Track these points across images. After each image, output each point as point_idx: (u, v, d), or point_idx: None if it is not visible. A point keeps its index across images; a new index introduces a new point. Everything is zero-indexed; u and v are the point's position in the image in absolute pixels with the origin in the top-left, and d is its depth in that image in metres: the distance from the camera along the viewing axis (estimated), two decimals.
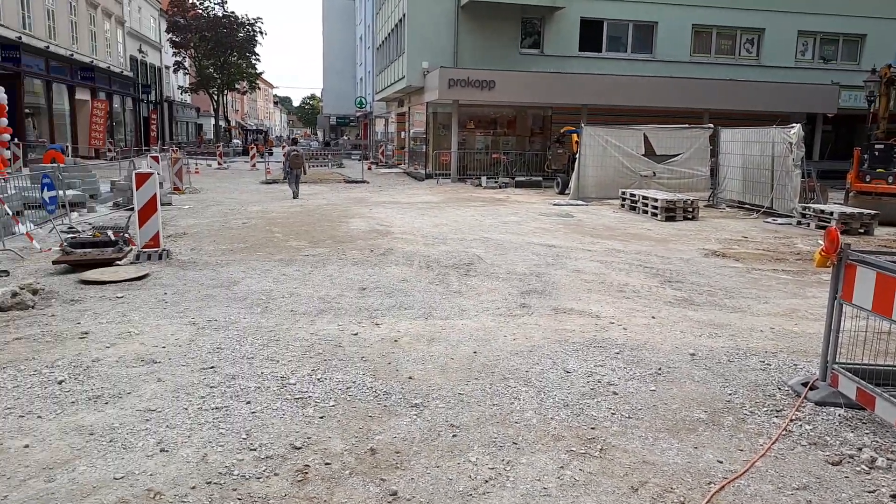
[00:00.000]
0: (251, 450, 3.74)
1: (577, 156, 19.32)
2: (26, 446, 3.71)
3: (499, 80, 24.72)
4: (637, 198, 16.55)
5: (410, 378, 4.92)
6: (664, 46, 28.29)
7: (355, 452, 3.77)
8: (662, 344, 5.91)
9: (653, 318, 6.78)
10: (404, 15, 28.08)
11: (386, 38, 35.42)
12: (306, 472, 3.52)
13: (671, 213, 15.09)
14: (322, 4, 60.58)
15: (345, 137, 62.30)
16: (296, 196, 18.27)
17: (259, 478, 3.45)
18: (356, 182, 24.45)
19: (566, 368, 5.20)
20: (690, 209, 15.28)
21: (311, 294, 7.43)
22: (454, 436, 4.01)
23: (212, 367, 5.03)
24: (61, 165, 17.10)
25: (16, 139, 23.66)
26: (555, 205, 17.85)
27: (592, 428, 4.18)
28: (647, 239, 12.22)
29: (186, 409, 4.27)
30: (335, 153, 39.56)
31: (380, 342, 5.76)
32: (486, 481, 3.49)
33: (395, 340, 5.80)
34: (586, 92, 25.11)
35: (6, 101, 23.56)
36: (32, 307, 6.67)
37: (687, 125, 20.29)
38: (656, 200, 15.40)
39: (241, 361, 5.20)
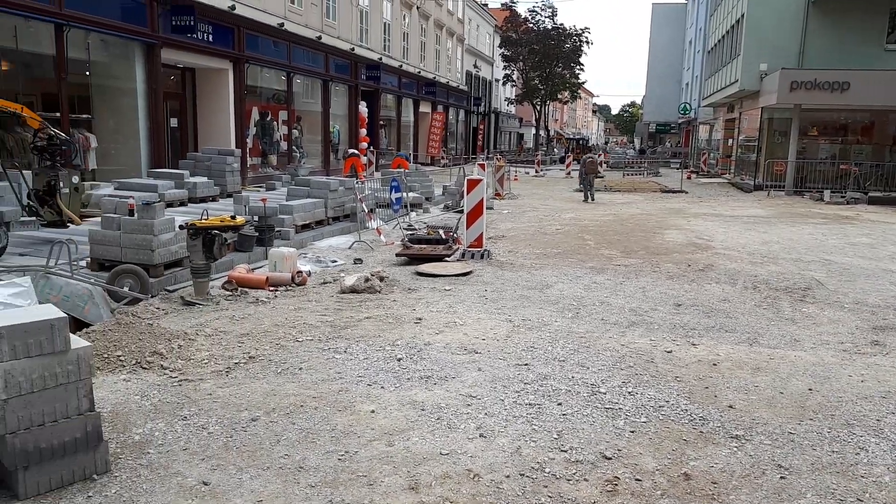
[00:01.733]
0: (562, 450, 3.81)
1: None
2: (372, 411, 4.29)
3: (855, 81, 21.58)
4: None
5: (731, 407, 4.54)
6: None
7: (668, 474, 3.60)
8: None
9: None
10: (742, 15, 26.14)
11: (719, 41, 33.40)
12: (616, 484, 3.46)
13: None
14: (651, 10, 59.45)
15: (667, 144, 60.24)
16: (587, 199, 19.97)
17: (569, 480, 3.50)
18: (673, 192, 23.48)
19: None
20: None
21: (623, 305, 7.32)
22: (782, 478, 3.59)
23: (526, 365, 5.26)
24: (406, 171, 19.52)
25: (371, 147, 27.70)
26: None
27: None
28: None
29: (503, 400, 4.52)
30: (651, 161, 38.52)
31: (696, 364, 5.43)
32: None
33: (714, 364, 5.41)
34: None
35: (367, 114, 27.74)
36: (379, 292, 7.69)
37: None
38: None
39: (553, 363, 5.34)
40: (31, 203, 9.46)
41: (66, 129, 13.94)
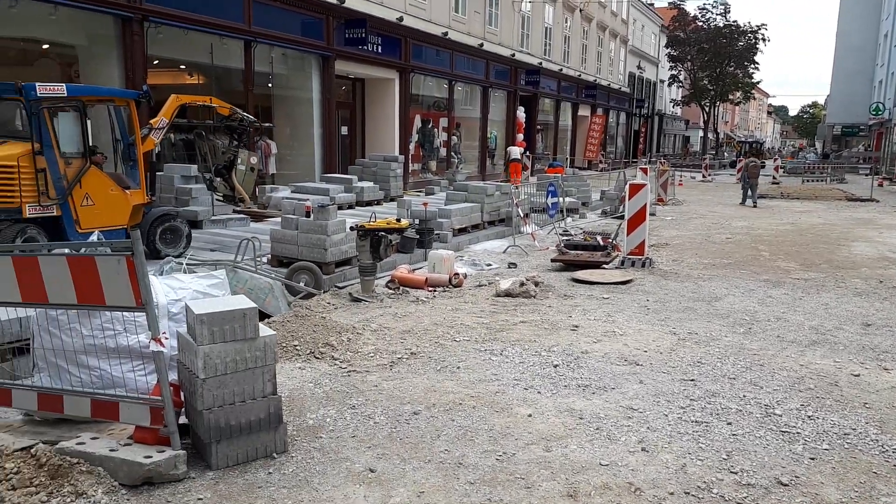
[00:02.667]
0: (731, 472, 3.59)
1: None
2: (529, 415, 4.29)
3: None
4: None
5: None
6: None
7: None
8: None
9: None
10: None
11: None
12: None
13: None
14: (839, 2, 54.23)
15: (858, 148, 54.66)
16: (744, 202, 19.93)
17: (740, 503, 3.29)
18: (862, 200, 21.23)
19: None
20: None
21: (802, 322, 6.74)
22: None
23: (692, 380, 5.00)
24: (562, 175, 19.33)
25: (527, 152, 27.73)
26: None
27: None
28: None
29: (666, 415, 4.34)
30: (836, 167, 35.10)
31: (889, 390, 4.88)
32: None
33: None
34: None
35: (524, 119, 27.84)
36: (534, 297, 7.67)
37: None
38: None
39: (722, 380, 5.04)
40: (210, 177, 10.35)
41: (251, 138, 15.39)
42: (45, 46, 13.41)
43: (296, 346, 5.49)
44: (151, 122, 9.42)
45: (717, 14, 51.42)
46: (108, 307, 3.48)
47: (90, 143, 8.29)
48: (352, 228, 8.25)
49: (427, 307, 7.13)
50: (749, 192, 20.06)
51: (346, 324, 6.16)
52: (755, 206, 19.27)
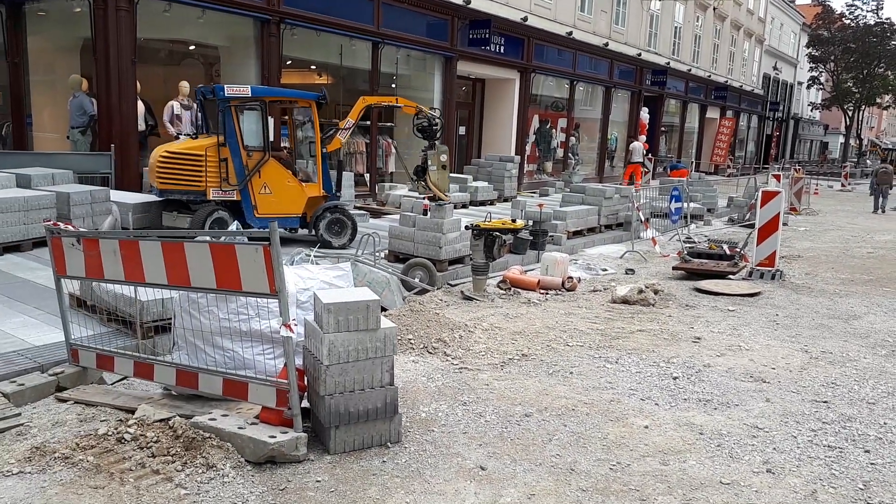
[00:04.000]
0: (868, 503, 3.32)
1: None
2: (646, 427, 4.16)
3: None
4: None
5: None
6: None
7: None
8: None
9: None
10: None
11: None
12: None
13: None
14: None
15: None
16: (876, 211, 19.59)
17: None
18: None
19: None
20: None
21: None
22: None
23: (825, 402, 4.66)
24: (685, 179, 18.56)
25: (650, 154, 26.82)
26: None
27: None
28: None
29: (795, 437, 4.07)
30: None
31: None
32: None
33: None
34: None
35: (648, 120, 26.95)
36: (653, 305, 7.42)
37: None
38: None
39: (860, 404, 4.66)
40: (413, 179, 10.98)
41: (373, 136, 15.86)
42: (192, 47, 14.46)
43: (410, 339, 5.62)
44: (339, 123, 10.13)
45: (867, 11, 47.42)
46: (245, 293, 3.71)
47: (271, 139, 9.18)
48: (467, 227, 8.32)
49: (539, 310, 7.08)
50: (881, 200, 19.90)
51: (458, 321, 6.23)
52: (883, 212, 19.46)
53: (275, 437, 3.51)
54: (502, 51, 19.05)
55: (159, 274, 3.89)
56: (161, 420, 3.76)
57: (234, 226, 5.02)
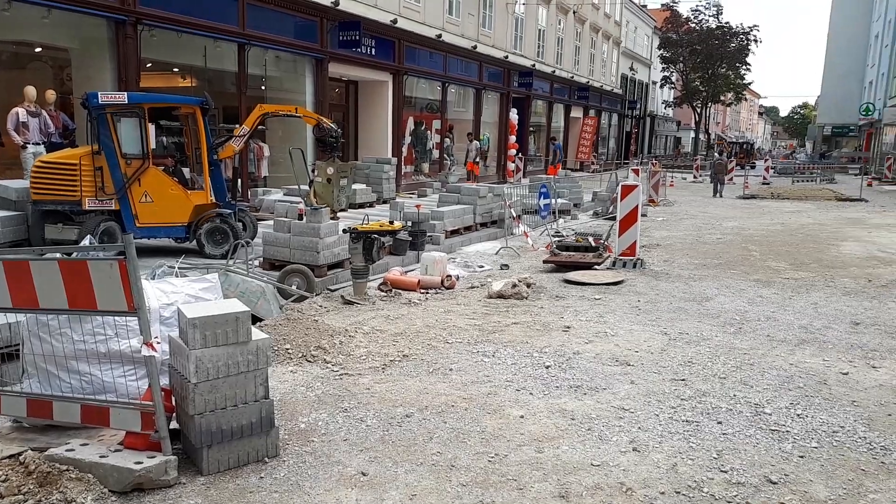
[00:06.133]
0: (722, 471, 3.62)
1: None
2: (521, 417, 4.31)
3: None
4: None
5: None
6: None
7: None
8: None
9: None
10: None
11: None
12: None
13: None
14: (831, 3, 54.55)
15: (844, 150, 55.02)
16: (716, 195, 22.84)
17: (730, 502, 3.32)
18: (852, 200, 21.37)
19: None
20: None
21: (791, 321, 6.79)
22: None
23: (682, 380, 5.04)
24: (554, 177, 19.39)
25: (520, 153, 27.77)
26: None
27: None
28: None
29: (657, 415, 4.36)
30: (826, 167, 35.33)
31: (877, 388, 4.92)
32: None
33: None
34: None
35: (517, 121, 27.86)
36: (526, 298, 7.70)
37: None
38: None
39: (713, 379, 5.07)
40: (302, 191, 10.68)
41: (246, 140, 15.34)
42: (38, 49, 13.35)
43: (287, 349, 5.49)
44: (234, 130, 9.97)
45: (709, 15, 51.62)
46: (100, 312, 3.48)
47: (151, 147, 8.99)
48: (344, 231, 8.25)
49: (419, 309, 7.15)
50: (719, 187, 23.22)
51: (338, 327, 6.17)
52: (721, 197, 22.40)
53: (141, 462, 3.32)
54: (374, 53, 19.04)
55: (2, 296, 3.56)
56: (10, 456, 3.46)
57: (86, 240, 4.66)
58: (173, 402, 3.68)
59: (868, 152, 45.76)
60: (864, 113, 44.37)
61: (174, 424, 3.68)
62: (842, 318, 6.90)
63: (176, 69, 15.66)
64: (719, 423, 4.26)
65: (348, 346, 5.69)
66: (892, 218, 16.64)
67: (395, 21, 19.51)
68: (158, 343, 3.49)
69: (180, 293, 4.14)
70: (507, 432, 4.07)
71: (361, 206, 15.54)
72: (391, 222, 8.35)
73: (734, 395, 4.73)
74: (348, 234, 7.79)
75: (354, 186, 15.87)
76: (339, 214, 11.39)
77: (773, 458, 3.79)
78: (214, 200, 9.35)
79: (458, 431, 4.07)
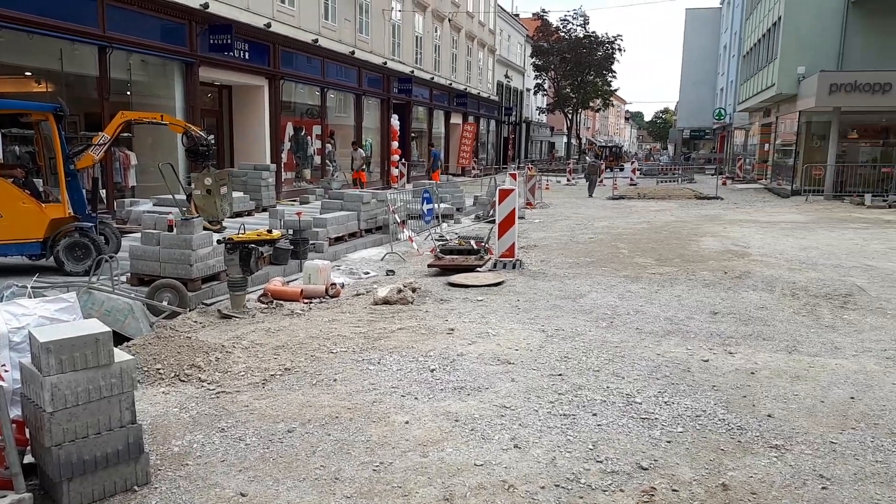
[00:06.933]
0: (597, 461, 3.79)
1: None
2: (406, 422, 4.31)
3: None
4: None
5: (769, 416, 4.45)
6: None
7: (705, 484, 3.55)
8: None
9: None
10: (780, 17, 25.78)
11: (755, 45, 32.99)
12: (652, 495, 3.43)
13: None
14: (685, 16, 58.86)
15: (701, 151, 59.48)
16: (591, 195, 24.77)
17: (605, 491, 3.47)
18: (709, 198, 23.13)
19: None
20: None
21: (658, 313, 7.24)
22: (824, 488, 3.51)
23: (559, 375, 5.23)
24: (438, 182, 19.62)
25: (403, 159, 27.89)
26: None
27: None
28: None
29: (537, 411, 4.51)
30: (686, 168, 38.03)
31: (734, 373, 5.34)
32: None
33: (752, 373, 5.32)
34: None
35: (398, 127, 27.97)
36: (412, 303, 7.73)
37: None
38: None
39: (588, 373, 5.30)
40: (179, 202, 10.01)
41: (107, 148, 14.40)
42: None
43: (159, 369, 5.20)
44: (93, 138, 9.32)
45: (577, 25, 54.24)
46: None
47: None
48: (219, 242, 7.93)
49: (302, 320, 6.99)
50: (590, 187, 25.50)
51: (214, 343, 5.91)
52: (592, 197, 24.37)
53: None
54: (248, 57, 18.47)
55: None
56: None
57: None
58: (27, 435, 3.38)
59: (722, 153, 49.76)
60: (717, 117, 48.20)
61: (30, 458, 3.39)
62: (702, 309, 7.43)
63: (29, 73, 14.45)
64: (594, 414, 4.46)
65: (225, 362, 5.47)
66: (744, 214, 18.16)
67: (268, 25, 19.03)
68: (6, 371, 3.19)
69: (33, 315, 3.81)
70: (392, 439, 4.06)
71: (239, 214, 15.00)
72: (270, 231, 8.12)
73: (607, 387, 4.97)
74: (223, 244, 7.50)
75: (232, 195, 15.34)
76: (224, 224, 11.00)
77: (643, 445, 4.01)
78: (73, 213, 8.72)
79: (342, 443, 4.01)
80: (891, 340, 6.21)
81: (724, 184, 30.10)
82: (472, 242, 10.89)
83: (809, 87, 22.98)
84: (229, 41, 16.92)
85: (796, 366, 5.48)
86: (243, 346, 5.93)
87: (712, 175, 32.98)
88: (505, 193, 10.05)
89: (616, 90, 65.75)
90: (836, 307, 7.48)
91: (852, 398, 4.77)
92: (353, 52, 24.27)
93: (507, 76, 49.10)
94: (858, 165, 23.01)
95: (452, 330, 6.53)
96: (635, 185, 29.93)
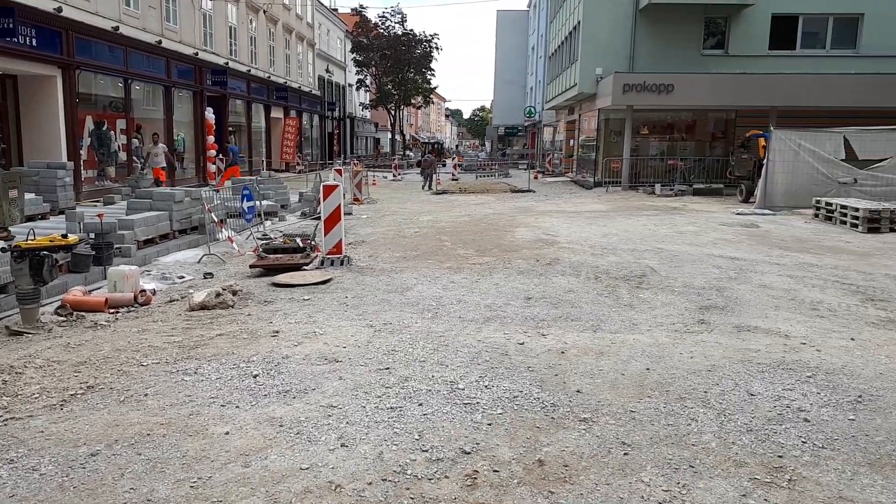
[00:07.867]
0: (423, 451, 3.87)
1: (765, 161, 17.93)
2: (227, 433, 4.12)
3: (678, 84, 23.77)
4: (834, 207, 15.00)
5: (578, 391, 4.82)
6: (871, 40, 25.49)
7: (523, 462, 3.76)
8: (863, 369, 5.29)
9: (852, 339, 6.10)
10: (579, 22, 27.86)
11: (559, 47, 35.38)
12: (475, 478, 3.57)
13: (875, 223, 13.51)
14: (496, 17, 61.73)
15: (515, 147, 62.84)
16: (425, 187, 25.85)
17: (430, 479, 3.56)
18: (522, 191, 24.53)
19: (750, 391, 4.83)
20: None
21: (479, 302, 7.55)
22: (625, 454, 3.86)
23: (387, 369, 5.28)
24: (259, 178, 18.91)
25: (220, 154, 26.56)
26: (738, 214, 16.70)
27: (780, 456, 3.84)
28: (845, 252, 11.03)
29: (364, 407, 4.51)
30: (502, 163, 40.04)
31: (546, 353, 5.71)
32: (660, 503, 3.33)
33: (562, 352, 5.72)
34: (776, 93, 23.25)
35: (214, 121, 26.56)
36: (232, 306, 7.40)
37: None
38: (857, 210, 13.86)
39: (414, 364, 5.40)
40: None
41: None
42: None
43: None
44: None
45: (395, 22, 54.88)
46: None
47: None
48: (3, 250, 7.05)
49: (108, 332, 6.43)
50: (429, 181, 26.03)
51: (1, 363, 5.25)
52: (430, 190, 25.30)
53: None
54: (35, 44, 16.53)
55: None
56: None
57: None
58: None
59: (533, 149, 52.97)
60: (527, 115, 51.23)
61: None
62: (518, 295, 7.86)
63: None
64: (420, 405, 4.56)
65: (15, 384, 4.88)
66: (553, 205, 19.48)
67: (59, 10, 17.18)
68: None
69: None
70: (211, 452, 3.85)
71: (31, 218, 13.43)
72: (65, 235, 7.35)
73: (433, 377, 5.10)
74: (9, 252, 6.67)
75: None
76: (12, 232, 9.78)
77: (466, 430, 4.17)
78: None
79: (155, 461, 3.74)
80: (678, 315, 6.99)
81: (536, 178, 32.07)
82: (298, 240, 10.64)
83: (606, 87, 25.13)
84: (11, 25, 15.04)
85: (600, 343, 5.98)
86: (37, 365, 5.33)
87: (525, 170, 35.02)
88: (329, 189, 9.93)
89: (435, 88, 67.50)
90: (633, 287, 8.27)
91: (648, 369, 5.30)
92: (160, 42, 22.64)
93: (328, 71, 48.49)
94: (649, 158, 25.67)
95: (277, 332, 6.34)
96: (457, 179, 30.99)
